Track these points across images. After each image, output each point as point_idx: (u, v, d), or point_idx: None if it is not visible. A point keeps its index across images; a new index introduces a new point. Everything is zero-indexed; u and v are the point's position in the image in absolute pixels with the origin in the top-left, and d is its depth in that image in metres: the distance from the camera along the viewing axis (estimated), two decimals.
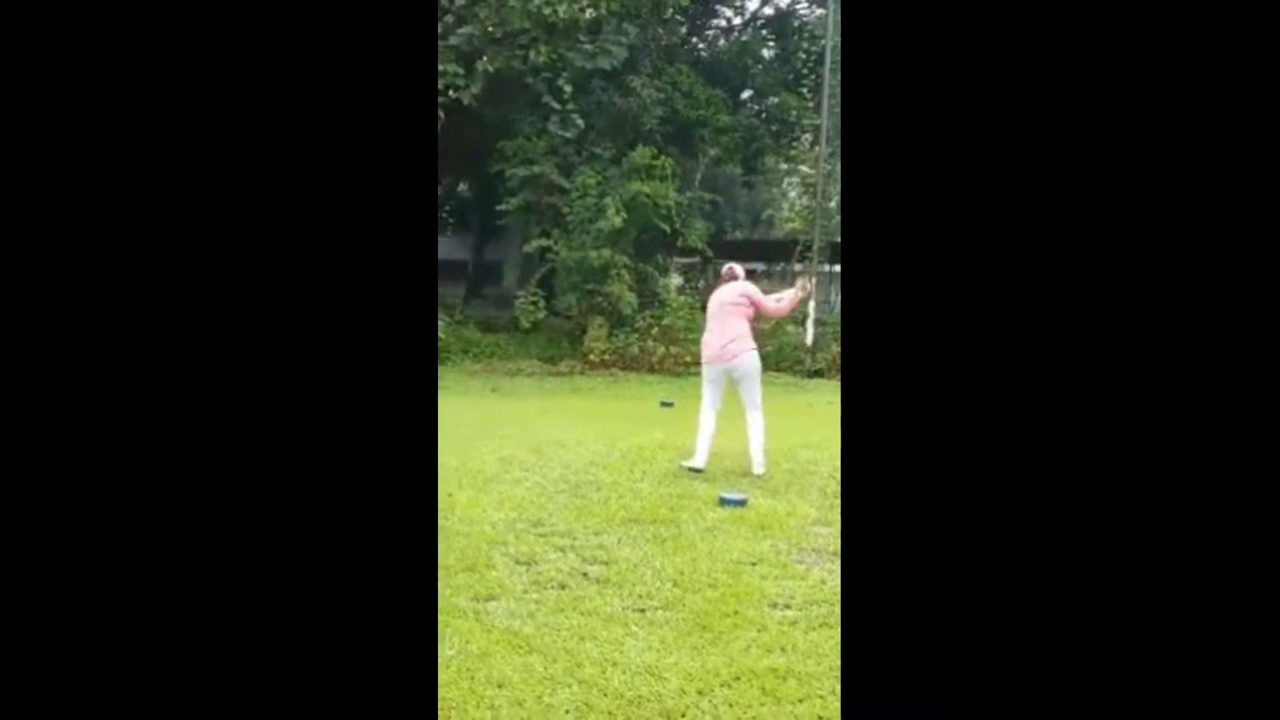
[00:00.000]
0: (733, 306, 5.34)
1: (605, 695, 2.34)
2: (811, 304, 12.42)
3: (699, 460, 5.21)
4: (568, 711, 2.25)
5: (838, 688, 2.42)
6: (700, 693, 2.36)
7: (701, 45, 16.59)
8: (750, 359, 5.27)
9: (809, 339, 12.31)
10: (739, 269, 5.61)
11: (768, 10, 17.03)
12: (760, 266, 15.79)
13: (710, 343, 5.35)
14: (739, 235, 17.99)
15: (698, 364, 5.58)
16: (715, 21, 17.04)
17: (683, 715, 2.25)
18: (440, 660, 2.51)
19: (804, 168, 14.19)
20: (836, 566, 3.54)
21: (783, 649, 2.66)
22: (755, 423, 5.24)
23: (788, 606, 3.06)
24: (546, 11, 11.52)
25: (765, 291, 5.89)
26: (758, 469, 5.21)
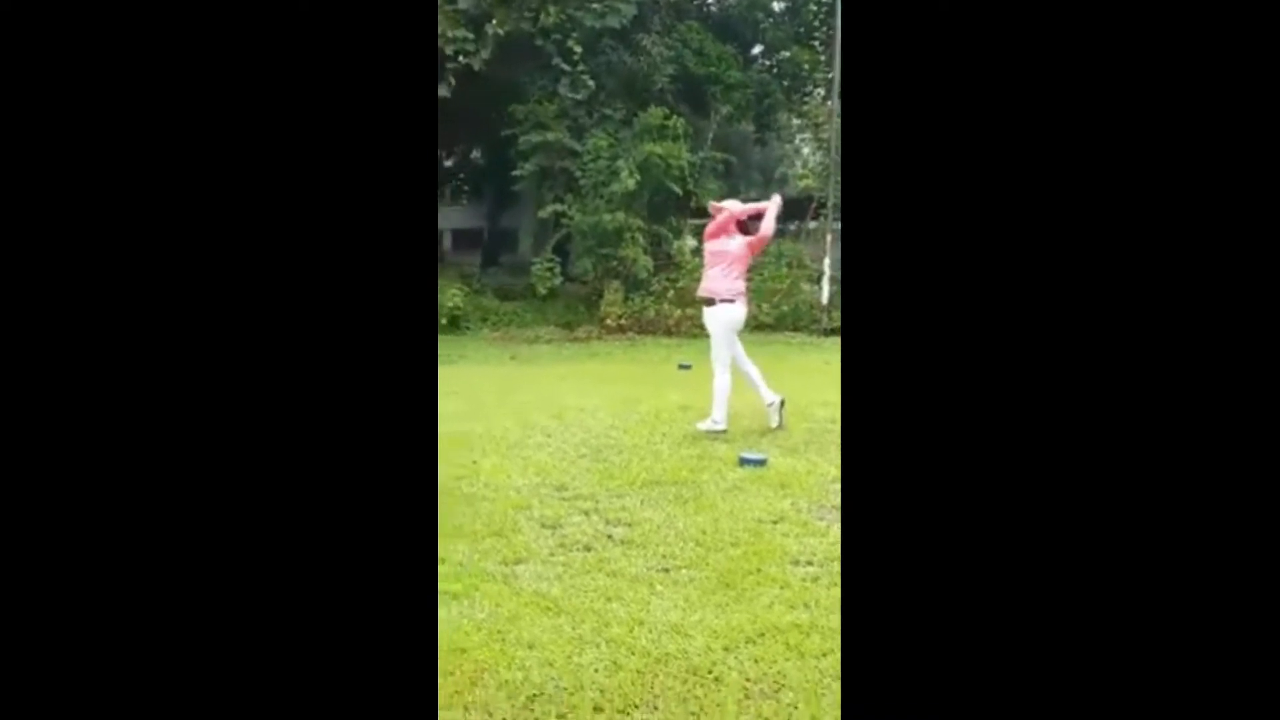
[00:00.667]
0: (708, 253, 5.36)
1: (633, 654, 2.41)
2: (826, 261, 12.34)
3: (712, 421, 5.25)
4: (596, 670, 2.32)
5: None
6: (726, 649, 2.42)
7: (711, 1, 16.30)
8: (711, 313, 5.27)
9: (824, 297, 12.25)
10: (724, 205, 5.45)
11: None
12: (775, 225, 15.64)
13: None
14: (753, 194, 17.84)
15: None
16: None
17: (709, 671, 2.31)
18: (472, 623, 2.59)
19: (819, 122, 13.99)
20: None
21: (805, 605, 2.72)
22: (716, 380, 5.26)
23: (809, 563, 3.11)
24: None
25: (776, 250, 5.82)
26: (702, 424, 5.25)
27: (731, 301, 5.25)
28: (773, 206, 5.43)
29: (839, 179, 12.58)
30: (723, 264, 5.27)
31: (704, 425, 5.27)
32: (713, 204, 5.60)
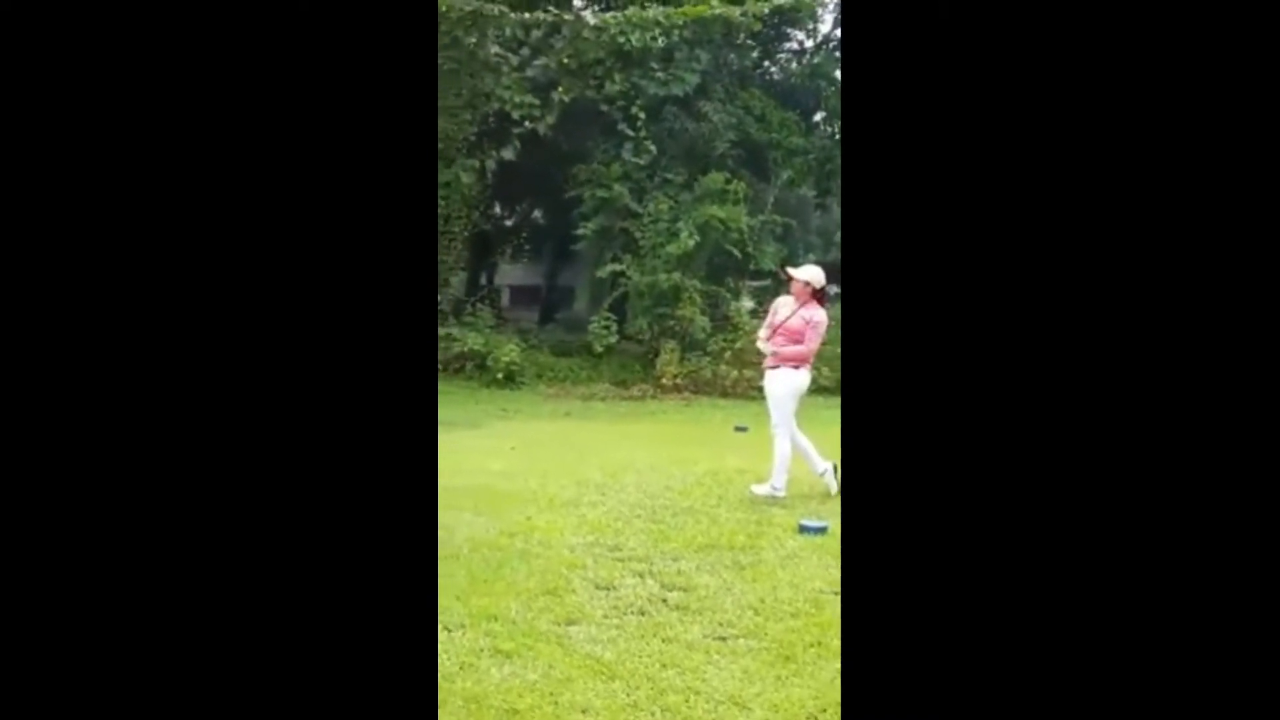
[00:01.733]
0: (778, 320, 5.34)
1: None
2: None
3: (771, 487, 5.15)
4: None
5: None
6: None
7: (774, 69, 16.59)
8: (770, 377, 5.24)
9: None
10: (801, 273, 5.34)
11: (839, 32, 16.96)
12: (834, 289, 15.60)
13: None
14: (811, 258, 17.83)
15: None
16: (787, 45, 17.02)
17: None
18: (524, 684, 2.53)
19: None
20: None
21: None
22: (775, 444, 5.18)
23: None
24: (620, 41, 11.71)
25: (835, 315, 5.70)
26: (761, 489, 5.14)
27: (797, 367, 5.19)
28: (814, 333, 5.23)
29: None
30: (797, 330, 5.21)
31: (762, 490, 5.17)
32: (790, 270, 5.50)
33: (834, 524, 4.49)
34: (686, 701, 2.45)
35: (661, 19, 12.04)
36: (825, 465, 5.30)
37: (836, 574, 3.69)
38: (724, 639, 2.95)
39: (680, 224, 12.06)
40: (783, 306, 5.41)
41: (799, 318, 5.22)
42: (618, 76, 12.12)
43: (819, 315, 5.22)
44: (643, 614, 3.19)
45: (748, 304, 13.57)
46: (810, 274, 5.30)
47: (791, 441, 5.21)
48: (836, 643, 2.89)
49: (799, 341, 5.18)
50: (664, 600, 3.34)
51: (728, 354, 11.87)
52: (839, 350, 12.04)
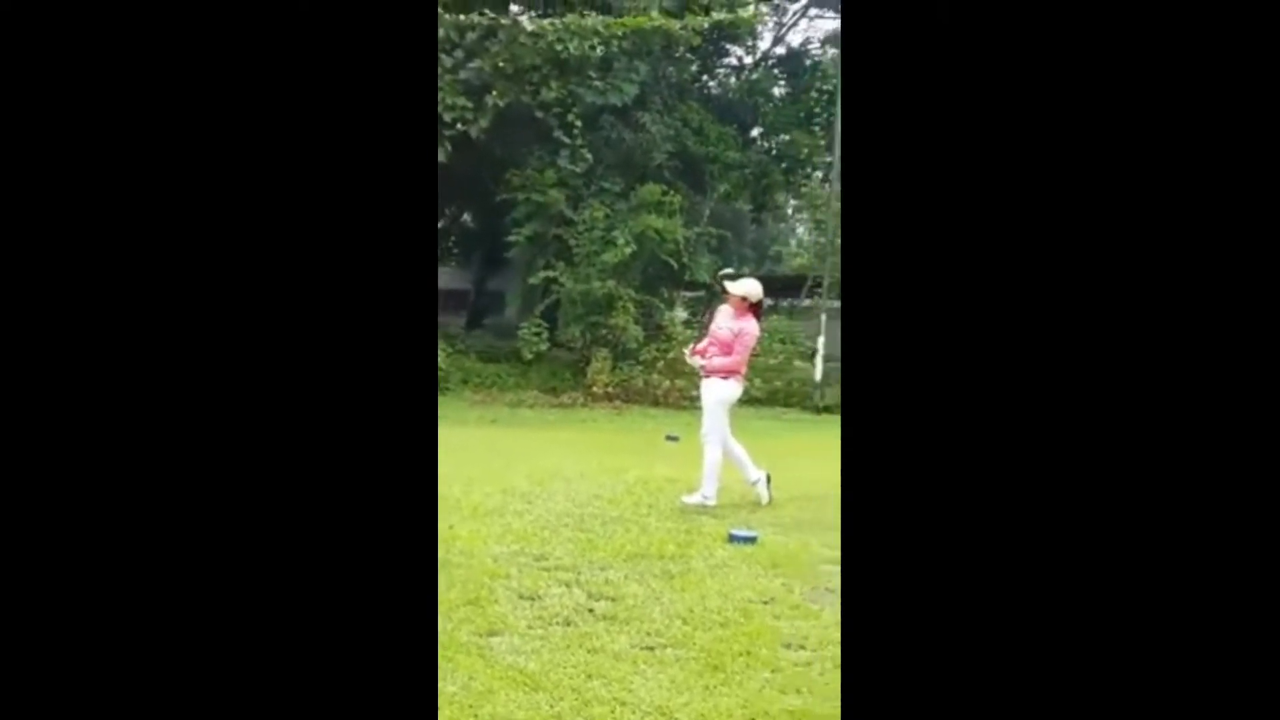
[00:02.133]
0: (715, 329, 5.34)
1: None
2: (821, 339, 12.35)
3: (701, 496, 5.11)
4: None
5: None
6: None
7: (712, 83, 16.73)
8: (708, 387, 5.23)
9: (818, 375, 12.22)
10: (737, 286, 5.32)
11: (779, 50, 17.21)
12: (768, 302, 15.76)
13: None
14: (746, 270, 18.01)
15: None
16: (726, 60, 17.19)
17: None
18: (443, 697, 2.40)
19: (816, 204, 14.22)
20: None
21: (798, 690, 2.55)
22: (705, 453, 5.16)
23: (801, 647, 2.94)
24: (559, 48, 11.62)
25: (769, 327, 5.73)
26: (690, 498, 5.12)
27: (725, 378, 5.17)
28: (741, 344, 5.22)
29: (834, 259, 12.71)
30: (726, 341, 5.19)
31: (692, 499, 5.12)
32: (727, 284, 5.47)
33: (764, 534, 4.47)
34: (612, 713, 2.36)
35: (600, 28, 11.99)
36: (758, 474, 5.29)
37: (766, 584, 3.66)
38: (651, 649, 2.87)
39: (616, 233, 12.01)
40: (721, 316, 5.40)
41: (728, 330, 5.22)
42: (554, 83, 12.01)
43: (749, 327, 5.23)
44: (568, 624, 3.09)
45: (681, 314, 13.61)
46: (746, 287, 5.31)
47: (724, 450, 5.19)
48: (765, 652, 2.85)
49: (729, 353, 5.17)
50: (591, 610, 3.25)
51: (660, 363, 11.87)
52: (770, 362, 12.17)
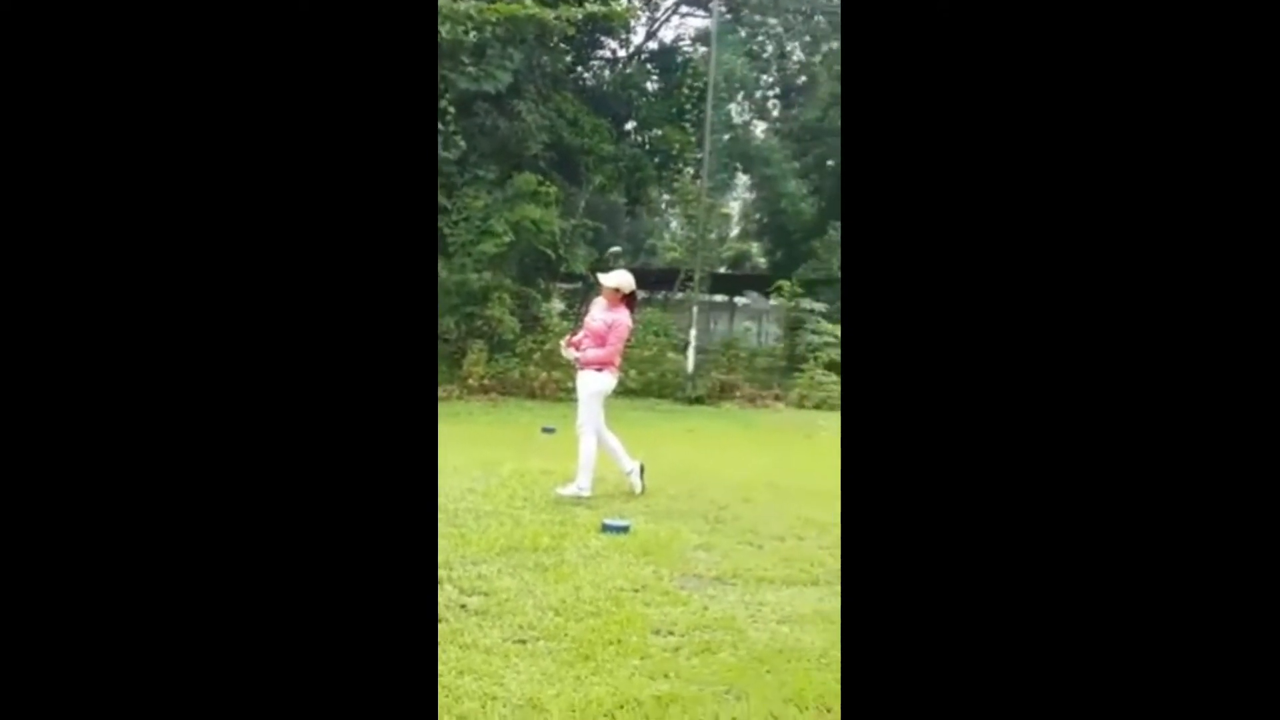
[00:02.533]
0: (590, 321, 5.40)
1: None
2: (692, 332, 12.63)
3: (576, 487, 5.17)
4: None
5: (720, 713, 2.42)
6: None
7: (586, 74, 16.73)
8: (578, 378, 5.32)
9: (690, 366, 12.50)
10: (613, 279, 5.41)
11: (652, 45, 17.39)
12: (643, 294, 15.98)
13: None
14: (621, 263, 18.17)
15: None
16: (600, 52, 17.22)
17: None
18: None
19: (688, 199, 14.48)
20: (718, 592, 3.56)
21: (666, 676, 2.64)
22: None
23: (670, 633, 3.04)
24: None
25: (643, 319, 5.85)
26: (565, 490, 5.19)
27: (600, 369, 5.23)
28: (614, 336, 5.31)
29: (705, 254, 13.00)
30: (600, 333, 5.26)
31: (566, 490, 5.17)
32: (600, 276, 5.55)
33: (637, 523, 4.57)
34: (483, 707, 2.38)
35: (474, 13, 11.80)
36: (632, 465, 5.39)
37: (638, 571, 3.75)
38: (523, 641, 2.90)
39: (493, 222, 11.87)
40: (595, 308, 5.46)
41: (602, 321, 5.29)
42: None
43: (622, 319, 5.32)
44: (440, 621, 3.07)
45: (558, 306, 13.59)
46: (619, 279, 5.40)
47: (599, 441, 5.25)
48: (635, 639, 2.93)
49: (604, 344, 5.24)
50: (463, 606, 3.24)
51: (537, 355, 11.82)
52: (644, 354, 12.36)
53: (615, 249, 5.99)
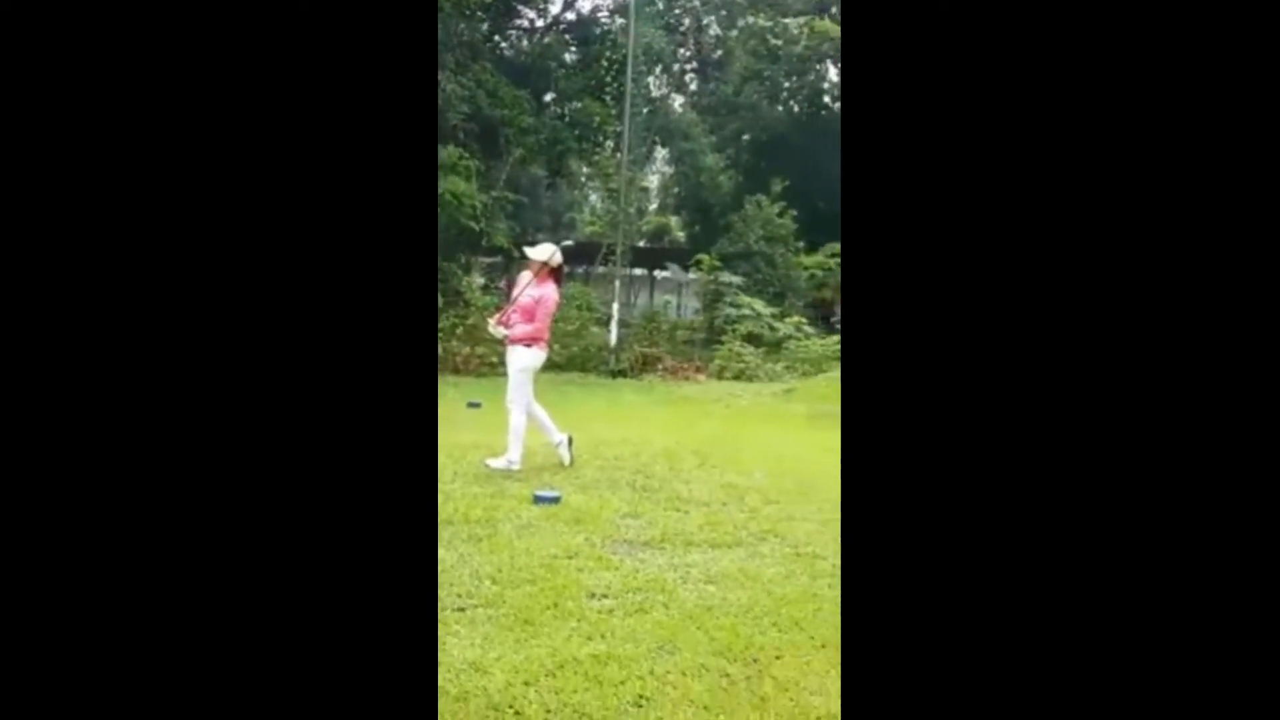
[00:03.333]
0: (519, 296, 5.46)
1: None
2: (615, 305, 12.76)
3: (507, 460, 5.26)
4: None
5: (655, 668, 2.58)
6: (526, 683, 2.43)
7: (504, 44, 16.52)
8: (508, 353, 5.40)
9: (613, 340, 12.63)
10: (539, 252, 5.48)
11: (569, 15, 17.26)
12: (565, 269, 15.98)
13: None
14: (540, 237, 18.12)
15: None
16: (518, 21, 17.02)
17: (510, 706, 2.31)
18: None
19: (609, 173, 14.52)
20: (647, 556, 3.73)
21: (602, 636, 2.79)
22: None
23: (604, 596, 3.19)
24: None
25: (566, 293, 5.92)
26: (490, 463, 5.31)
27: (529, 345, 5.31)
28: (542, 310, 5.39)
29: (626, 228, 13.08)
30: (528, 308, 5.33)
31: (497, 463, 5.25)
32: (528, 250, 5.59)
33: (566, 493, 4.70)
34: None
35: None
36: (561, 437, 5.49)
37: (570, 540, 3.88)
38: (463, 609, 3.00)
39: None
40: (522, 283, 5.52)
41: (530, 297, 5.36)
42: None
43: (549, 293, 5.39)
44: None
45: (479, 280, 13.51)
46: (545, 252, 5.46)
47: (529, 415, 5.34)
48: (571, 604, 3.07)
49: (532, 319, 5.32)
50: None
51: (459, 330, 11.77)
52: (568, 328, 12.43)
53: (568, 242, 6.02)
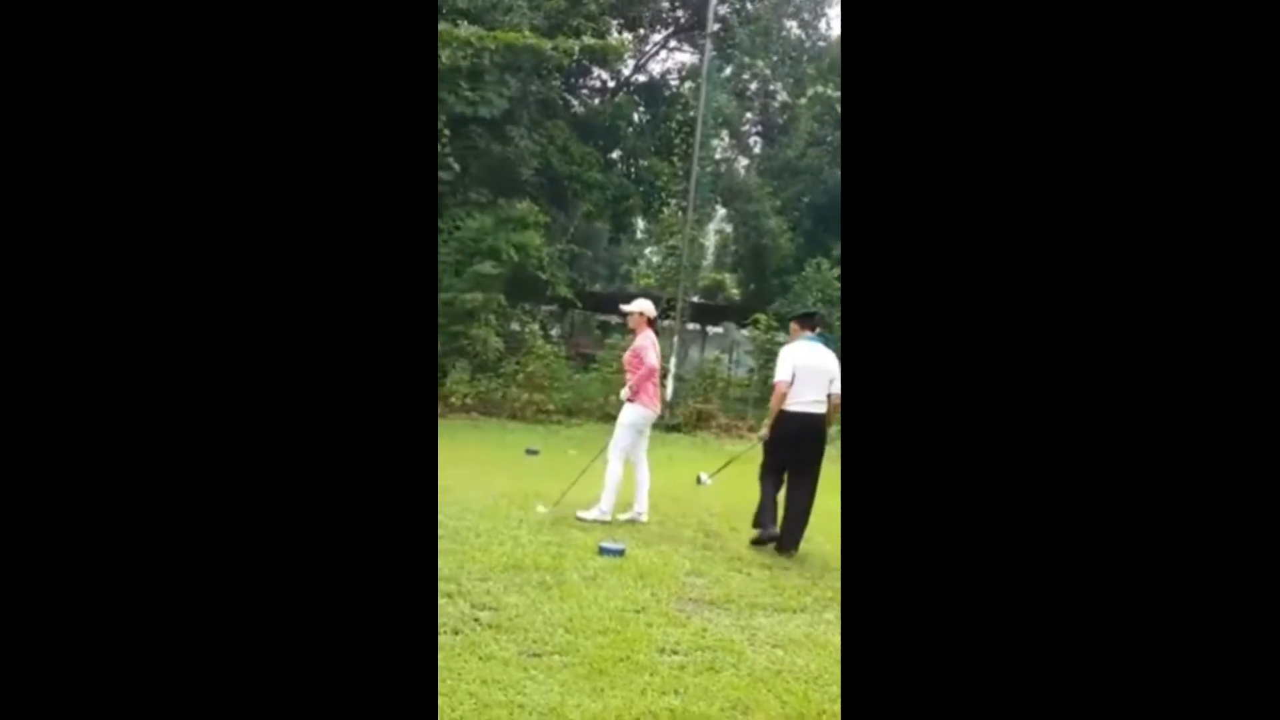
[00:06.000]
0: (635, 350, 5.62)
1: None
2: (672, 360, 12.88)
3: (598, 510, 5.42)
4: None
5: None
6: None
7: (576, 103, 17.07)
8: (622, 410, 5.56)
9: (669, 394, 12.73)
10: (638, 308, 5.66)
11: (640, 77, 17.80)
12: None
13: None
14: (597, 287, 18.45)
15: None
16: (590, 81, 17.61)
17: None
18: None
19: (673, 230, 14.79)
20: (715, 615, 3.78)
21: (675, 692, 2.85)
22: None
23: (674, 652, 3.25)
24: None
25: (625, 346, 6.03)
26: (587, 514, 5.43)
27: (632, 401, 5.49)
28: (633, 362, 5.55)
29: (687, 284, 13.26)
30: (629, 363, 5.56)
31: (588, 514, 5.41)
32: (623, 307, 5.80)
33: (630, 547, 4.77)
34: (510, 715, 2.57)
35: (473, 39, 12.07)
36: (639, 509, 5.55)
37: (637, 594, 3.96)
38: (538, 655, 3.09)
39: (483, 244, 12.08)
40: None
41: (631, 351, 5.56)
42: None
43: (639, 343, 5.56)
44: (456, 633, 3.25)
45: (535, 328, 13.79)
46: (639, 305, 5.68)
47: (628, 467, 5.49)
48: (642, 657, 3.14)
49: (634, 374, 5.53)
50: (476, 620, 3.42)
51: (520, 376, 11.98)
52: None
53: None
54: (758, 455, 5.45)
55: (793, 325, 5.50)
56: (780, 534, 5.00)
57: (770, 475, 5.17)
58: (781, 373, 5.04)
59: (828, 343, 5.26)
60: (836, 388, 4.99)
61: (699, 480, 6.13)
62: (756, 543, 5.09)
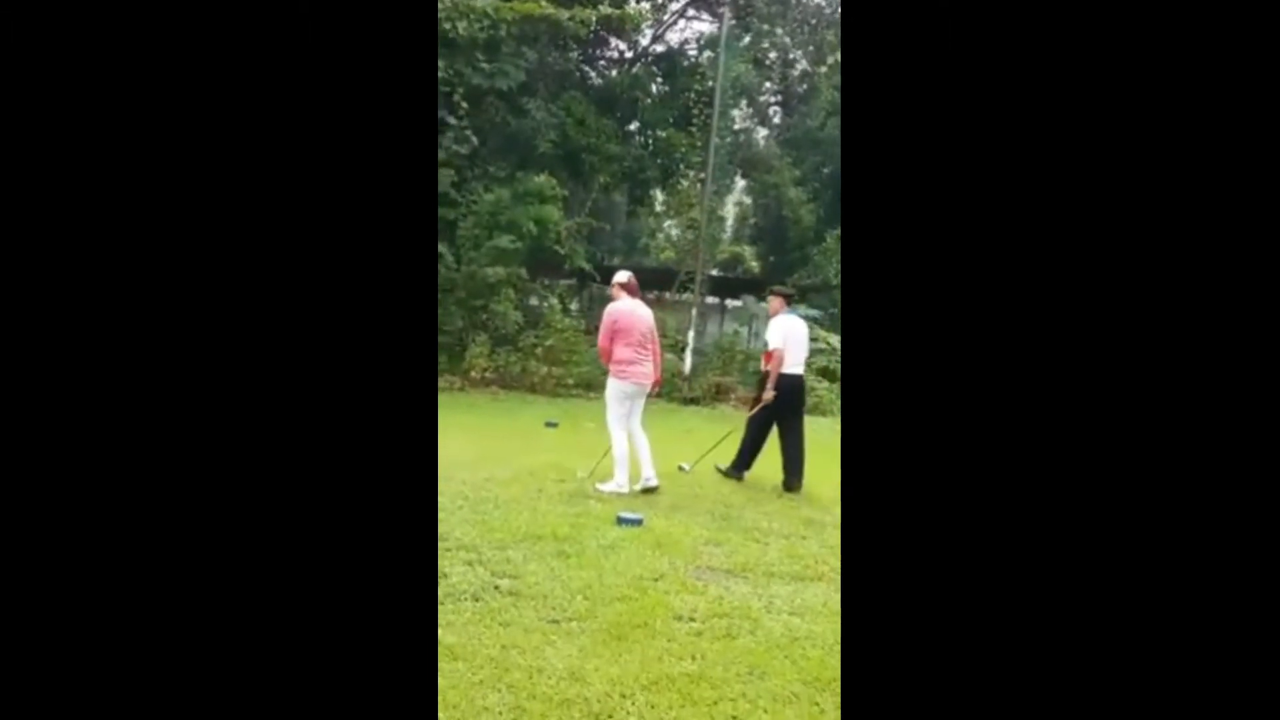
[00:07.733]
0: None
1: (534, 699, 2.49)
2: (690, 333, 12.88)
3: (615, 483, 5.47)
4: (500, 714, 2.39)
5: (747, 691, 2.68)
6: (623, 695, 2.55)
7: (593, 74, 16.94)
8: (607, 383, 5.64)
9: (687, 367, 12.74)
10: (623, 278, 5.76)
11: (658, 48, 17.62)
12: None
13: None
14: (616, 261, 18.44)
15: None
16: (607, 52, 17.45)
17: (609, 716, 2.43)
18: None
19: (691, 202, 14.71)
20: (732, 583, 3.82)
21: (693, 657, 2.89)
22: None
23: (691, 619, 3.29)
24: (447, 27, 11.54)
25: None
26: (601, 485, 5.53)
27: (610, 372, 5.56)
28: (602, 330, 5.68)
29: (705, 257, 13.21)
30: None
31: (606, 487, 5.46)
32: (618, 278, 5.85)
33: (648, 517, 4.82)
34: (530, 678, 2.62)
35: (490, 11, 12.00)
36: (648, 475, 5.61)
37: (654, 562, 4.00)
38: (557, 621, 3.14)
39: (502, 217, 12.09)
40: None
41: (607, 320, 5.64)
42: (441, 62, 11.92)
43: (607, 311, 5.65)
44: (477, 600, 3.31)
45: (553, 302, 13.83)
46: (617, 278, 5.78)
47: (630, 439, 5.55)
48: (660, 624, 3.18)
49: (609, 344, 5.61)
50: (496, 587, 3.48)
51: (539, 350, 12.03)
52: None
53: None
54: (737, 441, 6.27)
55: (776, 300, 6.27)
56: (785, 479, 5.96)
57: (761, 426, 6.10)
58: (776, 341, 5.94)
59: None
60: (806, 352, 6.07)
61: (680, 469, 6.55)
62: (724, 473, 6.26)
